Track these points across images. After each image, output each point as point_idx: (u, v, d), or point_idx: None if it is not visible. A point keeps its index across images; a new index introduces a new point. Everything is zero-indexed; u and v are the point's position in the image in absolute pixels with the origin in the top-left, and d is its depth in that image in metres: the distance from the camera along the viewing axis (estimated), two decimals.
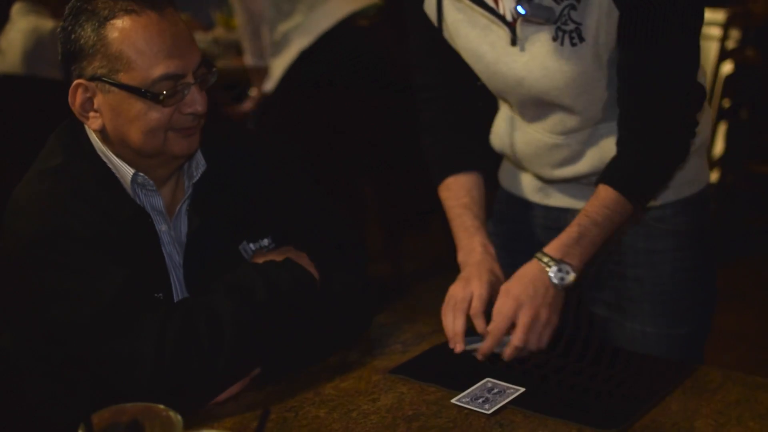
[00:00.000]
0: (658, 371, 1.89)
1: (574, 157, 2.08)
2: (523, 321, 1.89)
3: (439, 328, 1.99)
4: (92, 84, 1.69)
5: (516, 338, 1.88)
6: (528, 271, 1.94)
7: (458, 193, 2.14)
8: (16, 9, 4.45)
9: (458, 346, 1.92)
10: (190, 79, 1.71)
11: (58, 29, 1.73)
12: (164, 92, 1.68)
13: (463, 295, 1.96)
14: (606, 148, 2.04)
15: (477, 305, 1.95)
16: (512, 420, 1.66)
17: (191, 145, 1.76)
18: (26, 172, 1.77)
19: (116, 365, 1.62)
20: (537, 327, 1.89)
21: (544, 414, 1.67)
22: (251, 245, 1.90)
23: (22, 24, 4.36)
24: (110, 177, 1.75)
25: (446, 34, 2.08)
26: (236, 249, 1.88)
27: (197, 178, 1.82)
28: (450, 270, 2.07)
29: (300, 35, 4.03)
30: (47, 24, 4.32)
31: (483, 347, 1.90)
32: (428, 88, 2.20)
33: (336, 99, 4.11)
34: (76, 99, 1.71)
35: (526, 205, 2.26)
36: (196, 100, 1.71)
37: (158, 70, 1.67)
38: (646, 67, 1.91)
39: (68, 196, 1.70)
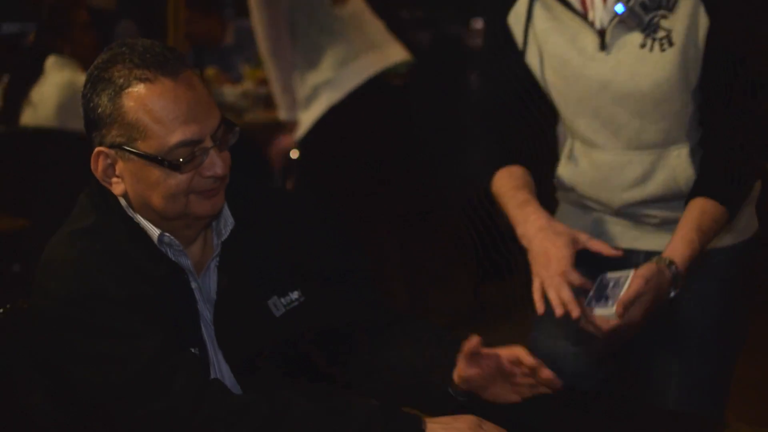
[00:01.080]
0: (684, 428, 1.88)
1: (645, 177, 2.11)
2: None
3: None
4: (112, 151, 1.70)
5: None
6: (656, 278, 1.92)
7: (509, 181, 2.17)
8: (50, 63, 4.52)
9: (575, 312, 1.90)
10: (208, 143, 1.70)
11: (80, 95, 1.75)
12: (181, 159, 1.68)
13: (550, 273, 1.94)
14: (678, 171, 2.08)
15: (575, 278, 1.93)
16: None
17: (214, 206, 1.76)
18: (58, 225, 1.78)
19: (151, 425, 1.62)
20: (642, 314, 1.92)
21: None
22: (281, 299, 1.88)
23: (57, 78, 4.42)
24: (142, 236, 1.76)
25: (530, 49, 2.15)
26: (265, 304, 1.87)
27: (226, 236, 1.82)
28: (475, 325, 2.07)
29: (330, 90, 4.07)
30: (82, 78, 4.37)
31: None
32: (490, 109, 2.26)
33: (363, 155, 4.14)
34: (99, 166, 1.72)
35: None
36: (215, 164, 1.70)
37: (175, 138, 1.67)
38: (732, 78, 1.98)
39: (103, 256, 1.70)
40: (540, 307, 1.93)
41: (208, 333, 1.81)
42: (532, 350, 2.27)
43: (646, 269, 1.92)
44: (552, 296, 1.93)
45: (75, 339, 1.67)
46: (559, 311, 1.92)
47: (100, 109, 1.70)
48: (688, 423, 1.92)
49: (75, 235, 1.74)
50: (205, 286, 1.82)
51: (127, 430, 1.65)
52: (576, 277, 1.92)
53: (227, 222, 1.82)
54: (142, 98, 1.67)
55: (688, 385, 2.18)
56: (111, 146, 1.70)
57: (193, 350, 1.74)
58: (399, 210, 4.62)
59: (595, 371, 2.28)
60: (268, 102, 5.10)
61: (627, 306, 1.88)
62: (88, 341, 1.66)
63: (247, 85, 5.53)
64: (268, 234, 1.90)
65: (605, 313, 1.89)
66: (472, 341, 1.73)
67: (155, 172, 1.68)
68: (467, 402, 1.79)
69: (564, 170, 2.25)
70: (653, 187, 2.12)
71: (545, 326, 2.31)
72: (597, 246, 1.98)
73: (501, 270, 4.69)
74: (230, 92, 5.35)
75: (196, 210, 1.73)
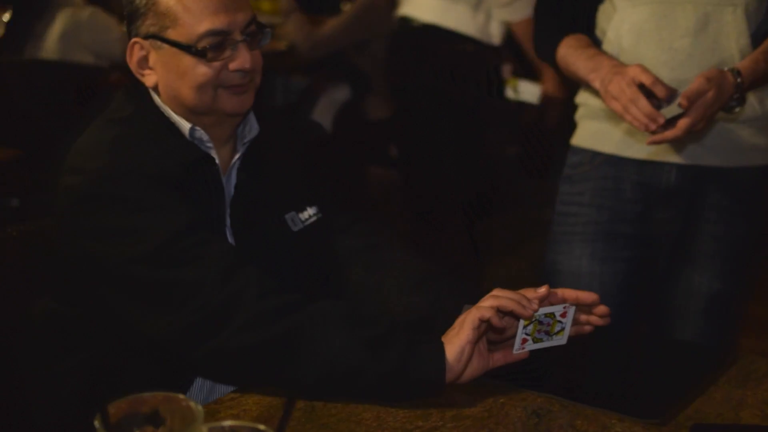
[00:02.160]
0: (702, 359, 1.83)
1: (697, 27, 2.10)
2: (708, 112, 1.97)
3: None
4: (146, 42, 1.76)
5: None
6: (718, 78, 1.97)
7: (576, 42, 2.20)
8: None
9: (660, 119, 1.94)
10: (237, 36, 1.74)
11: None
12: (208, 47, 1.72)
13: (626, 82, 1.97)
14: (731, 26, 2.09)
15: (647, 77, 1.96)
16: (550, 410, 1.59)
17: (243, 103, 1.79)
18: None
19: (177, 291, 1.62)
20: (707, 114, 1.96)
21: (583, 403, 1.61)
22: (299, 215, 1.91)
23: (60, 10, 4.36)
24: (174, 128, 1.79)
25: None
26: (282, 218, 1.88)
27: (249, 139, 1.85)
28: (479, 262, 2.03)
29: None
30: (84, 11, 4.34)
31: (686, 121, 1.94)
32: None
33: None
34: (133, 56, 1.78)
35: (615, 161, 2.26)
36: (244, 58, 1.75)
37: (204, 26, 1.72)
38: None
39: (137, 139, 1.75)
40: (644, 125, 1.96)
41: (229, 236, 1.82)
42: (552, 273, 2.28)
43: (709, 71, 1.97)
44: (633, 112, 1.95)
45: (106, 212, 1.68)
46: (642, 128, 1.96)
47: (136, 1, 1.76)
48: (702, 354, 1.88)
49: (111, 122, 1.79)
50: (227, 189, 1.84)
51: (154, 303, 1.65)
52: (661, 89, 1.95)
53: (252, 128, 1.87)
54: None
55: (707, 306, 2.22)
56: (145, 36, 1.76)
57: None
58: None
59: (621, 290, 2.27)
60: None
61: (691, 99, 1.93)
62: (120, 213, 1.68)
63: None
64: (290, 148, 1.96)
65: (671, 112, 1.95)
66: (541, 291, 1.68)
67: (185, 61, 1.74)
68: None
69: (609, 44, 2.22)
70: (704, 38, 2.09)
71: (566, 248, 2.31)
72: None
73: (502, 206, 4.65)
74: None
75: (225, 105, 1.77)
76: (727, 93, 1.98)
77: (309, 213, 1.92)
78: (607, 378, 1.74)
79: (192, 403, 1.14)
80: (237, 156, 1.84)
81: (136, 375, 1.72)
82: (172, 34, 1.73)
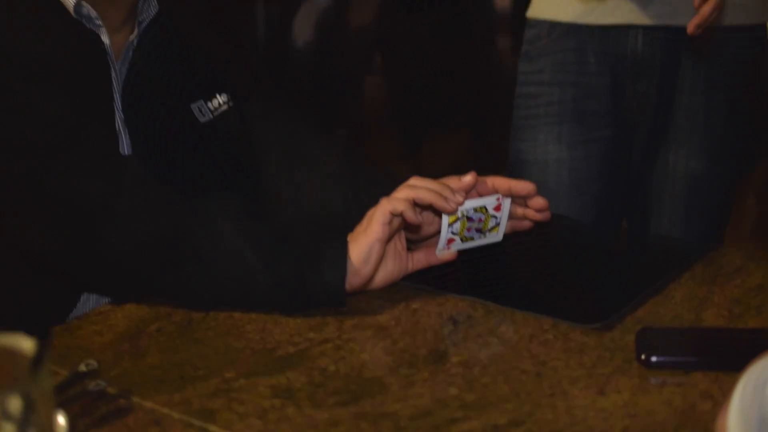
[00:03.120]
0: (670, 255, 1.56)
1: None
2: None
3: None
4: None
5: None
6: None
7: None
8: None
9: None
10: None
11: None
12: None
13: None
14: None
15: None
16: (471, 315, 1.34)
17: None
18: None
19: (53, 187, 1.39)
20: None
21: (511, 307, 1.36)
22: (208, 104, 1.67)
23: None
24: (59, 4, 1.52)
25: None
26: (188, 107, 1.64)
27: (147, 19, 1.61)
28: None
29: None
30: None
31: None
32: None
33: None
34: None
35: (575, 30, 2.01)
36: None
37: None
38: None
39: (12, 17, 1.49)
40: None
41: (120, 124, 1.57)
42: (516, 163, 2.04)
43: None
44: None
45: None
46: None
47: None
48: (671, 248, 1.62)
49: None
50: (121, 74, 1.59)
51: (27, 202, 1.42)
52: None
53: (151, 6, 1.61)
54: None
55: (684, 190, 2.00)
56: None
57: None
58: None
59: (595, 177, 2.04)
60: None
61: None
62: None
63: None
64: (196, 31, 1.71)
65: None
66: (467, 179, 1.45)
67: None
68: None
69: None
70: None
71: (530, 134, 2.06)
72: None
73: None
74: None
75: None
76: None
77: (219, 101, 1.68)
78: (554, 279, 1.49)
79: None
80: (133, 37, 1.59)
81: (18, 296, 1.52)
82: None
